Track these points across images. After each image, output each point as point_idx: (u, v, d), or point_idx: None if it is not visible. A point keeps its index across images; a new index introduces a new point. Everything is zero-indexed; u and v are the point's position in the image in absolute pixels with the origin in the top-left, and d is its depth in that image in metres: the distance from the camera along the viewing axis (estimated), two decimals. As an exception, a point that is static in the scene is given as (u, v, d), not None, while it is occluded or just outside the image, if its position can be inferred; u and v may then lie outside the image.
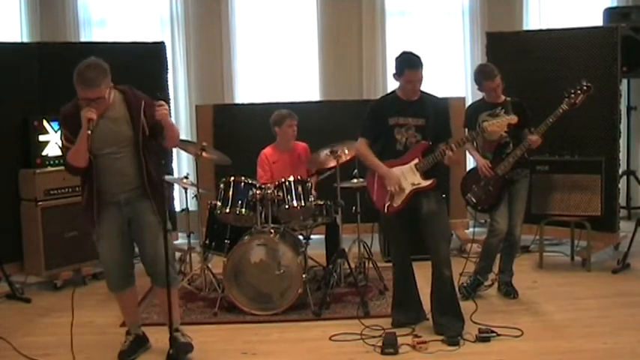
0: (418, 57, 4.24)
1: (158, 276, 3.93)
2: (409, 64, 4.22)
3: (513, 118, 4.32)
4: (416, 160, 4.27)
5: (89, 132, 3.61)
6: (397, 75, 4.27)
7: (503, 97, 4.89)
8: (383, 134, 4.33)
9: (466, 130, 4.87)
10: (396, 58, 4.29)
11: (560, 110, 4.70)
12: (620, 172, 6.43)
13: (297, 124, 5.45)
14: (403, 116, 4.29)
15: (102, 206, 3.86)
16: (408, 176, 4.27)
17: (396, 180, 4.25)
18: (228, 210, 4.93)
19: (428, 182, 4.26)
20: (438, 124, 4.31)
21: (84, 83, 3.63)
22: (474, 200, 4.99)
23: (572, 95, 4.70)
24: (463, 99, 6.70)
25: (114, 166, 3.83)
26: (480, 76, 4.91)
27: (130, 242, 4.00)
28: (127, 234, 3.95)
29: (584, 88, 4.69)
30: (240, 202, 4.93)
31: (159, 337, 4.20)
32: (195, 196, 5.51)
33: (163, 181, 4.10)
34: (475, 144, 4.98)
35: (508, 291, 5.03)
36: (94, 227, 3.90)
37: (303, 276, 4.76)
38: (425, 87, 4.36)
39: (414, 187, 4.26)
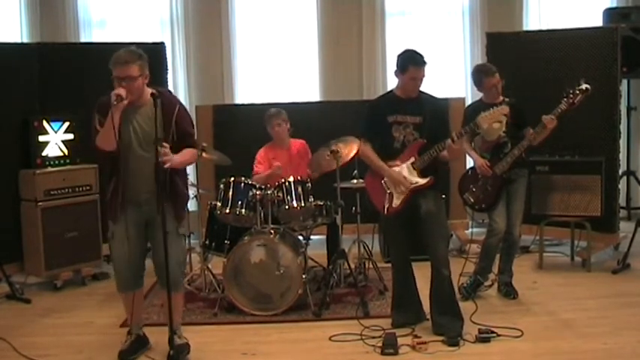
0: (422, 55, 4.24)
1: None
2: (414, 60, 4.22)
3: (504, 109, 4.32)
4: (412, 159, 4.27)
5: (115, 103, 3.64)
6: (400, 71, 4.26)
7: (501, 98, 4.89)
8: (381, 132, 4.33)
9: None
10: (399, 55, 4.29)
11: (559, 110, 4.70)
12: (620, 172, 6.43)
13: (288, 121, 5.42)
14: (401, 114, 4.29)
15: (124, 204, 3.87)
16: (406, 177, 4.27)
17: (401, 180, 4.25)
18: (228, 210, 4.93)
19: (425, 180, 4.26)
20: (436, 124, 4.30)
21: (115, 61, 3.75)
22: (472, 200, 4.99)
23: (571, 95, 4.69)
24: (463, 99, 6.70)
25: (140, 165, 3.84)
26: (480, 74, 4.91)
27: (144, 244, 4.00)
28: (143, 235, 3.96)
29: (583, 88, 4.68)
30: (240, 202, 4.93)
31: (158, 338, 4.20)
32: (195, 196, 5.51)
33: (187, 193, 4.12)
34: (473, 144, 4.98)
35: (508, 291, 5.03)
36: (114, 222, 3.90)
37: (303, 276, 4.76)
38: (425, 87, 4.35)
39: (412, 185, 4.26)
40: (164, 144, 3.73)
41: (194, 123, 4.11)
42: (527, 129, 4.83)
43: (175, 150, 3.84)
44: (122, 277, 4.02)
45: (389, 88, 4.58)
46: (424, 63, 4.23)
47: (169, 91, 3.97)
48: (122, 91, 3.68)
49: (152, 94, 3.73)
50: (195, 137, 4.25)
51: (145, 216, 3.92)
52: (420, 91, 4.32)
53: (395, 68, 4.31)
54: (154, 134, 3.70)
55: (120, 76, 3.72)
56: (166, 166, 3.72)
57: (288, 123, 5.44)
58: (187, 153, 3.93)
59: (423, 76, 4.25)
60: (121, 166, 3.83)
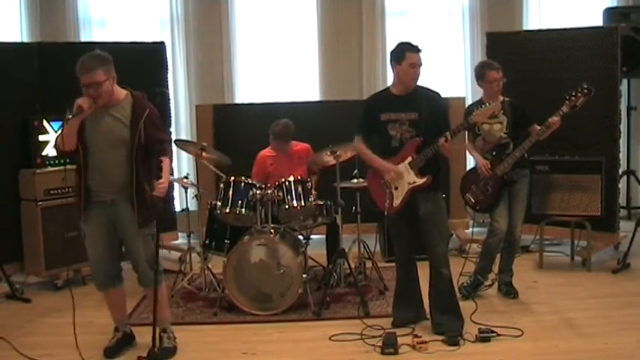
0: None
1: (140, 277, 4.05)
2: (410, 46, 4.21)
3: (497, 105, 4.30)
4: (409, 159, 4.25)
5: (69, 117, 3.66)
6: (397, 61, 4.21)
7: (501, 98, 4.88)
8: (377, 131, 4.32)
9: (466, 132, 4.87)
10: (394, 49, 4.27)
11: (561, 112, 4.69)
12: (620, 172, 6.43)
13: (291, 137, 5.41)
14: (395, 111, 4.26)
15: (89, 204, 3.90)
16: (403, 175, 4.27)
17: (393, 170, 4.24)
18: (228, 210, 4.93)
19: (423, 180, 4.24)
20: (437, 119, 4.26)
21: (79, 68, 3.72)
22: (473, 200, 4.99)
23: (573, 97, 4.68)
24: (463, 99, 6.69)
25: (106, 165, 3.85)
26: (484, 67, 4.88)
27: (117, 243, 4.04)
28: (113, 235, 3.99)
29: (585, 90, 4.67)
30: (240, 202, 4.93)
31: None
32: (196, 196, 5.51)
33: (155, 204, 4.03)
34: (475, 144, 4.98)
35: (508, 291, 5.04)
36: (83, 222, 3.96)
37: (303, 276, 4.76)
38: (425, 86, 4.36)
39: (410, 185, 4.25)
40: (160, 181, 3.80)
41: (169, 128, 4.11)
42: (532, 126, 4.82)
43: (144, 154, 3.84)
44: (96, 276, 4.11)
45: (390, 88, 4.56)
46: (420, 49, 4.22)
47: (144, 96, 3.95)
48: (84, 103, 3.68)
49: (133, 95, 3.83)
50: (170, 141, 4.30)
51: (112, 217, 3.94)
52: (418, 86, 4.30)
53: (391, 63, 4.27)
54: (121, 133, 3.79)
55: (87, 83, 3.71)
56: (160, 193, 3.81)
57: (289, 140, 5.43)
58: (165, 165, 3.89)
59: (421, 63, 4.23)
60: (86, 166, 3.86)
